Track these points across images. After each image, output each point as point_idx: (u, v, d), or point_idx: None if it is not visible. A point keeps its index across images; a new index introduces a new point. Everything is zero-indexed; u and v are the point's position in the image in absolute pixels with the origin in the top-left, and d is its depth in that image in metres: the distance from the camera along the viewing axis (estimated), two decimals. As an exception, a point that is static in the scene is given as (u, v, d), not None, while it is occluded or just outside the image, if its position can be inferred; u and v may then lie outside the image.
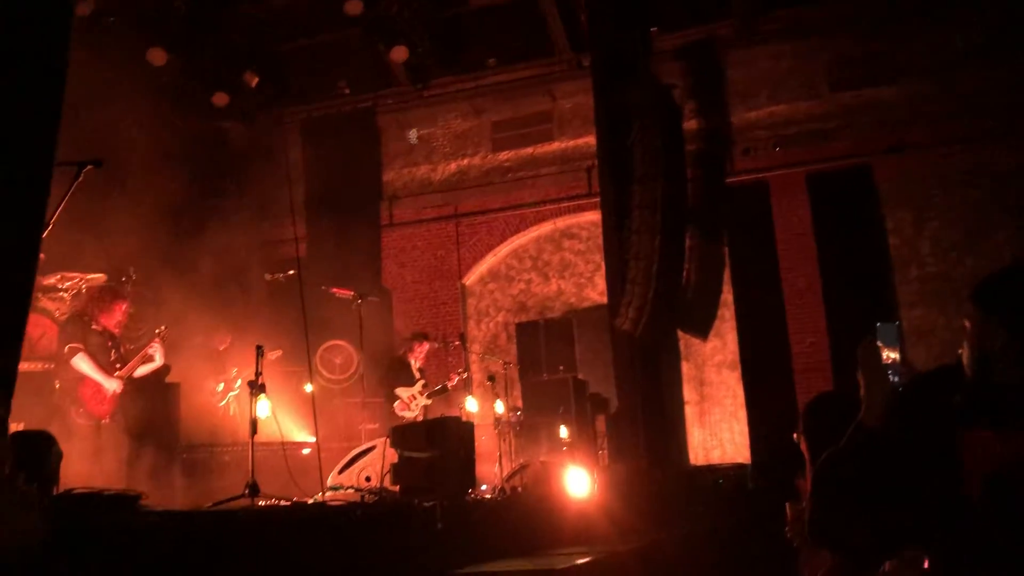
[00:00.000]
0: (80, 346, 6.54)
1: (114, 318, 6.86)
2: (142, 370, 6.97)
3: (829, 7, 11.57)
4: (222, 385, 9.09)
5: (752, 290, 11.56)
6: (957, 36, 11.03)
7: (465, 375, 9.67)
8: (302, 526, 4.40)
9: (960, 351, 2.13)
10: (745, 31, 11.87)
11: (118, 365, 6.77)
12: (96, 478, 6.22)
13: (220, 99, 11.64)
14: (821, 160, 11.50)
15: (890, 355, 2.30)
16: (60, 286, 7.81)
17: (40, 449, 4.35)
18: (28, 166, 3.29)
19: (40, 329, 7.29)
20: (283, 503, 5.40)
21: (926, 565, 1.94)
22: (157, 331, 7.13)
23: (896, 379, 2.25)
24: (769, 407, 11.03)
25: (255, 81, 11.62)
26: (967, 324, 2.05)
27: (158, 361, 7.03)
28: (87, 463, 6.31)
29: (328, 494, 6.34)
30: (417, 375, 9.39)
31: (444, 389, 9.40)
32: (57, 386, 6.57)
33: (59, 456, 4.60)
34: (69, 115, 3.65)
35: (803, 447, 3.00)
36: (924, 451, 1.76)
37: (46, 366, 6.94)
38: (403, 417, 8.97)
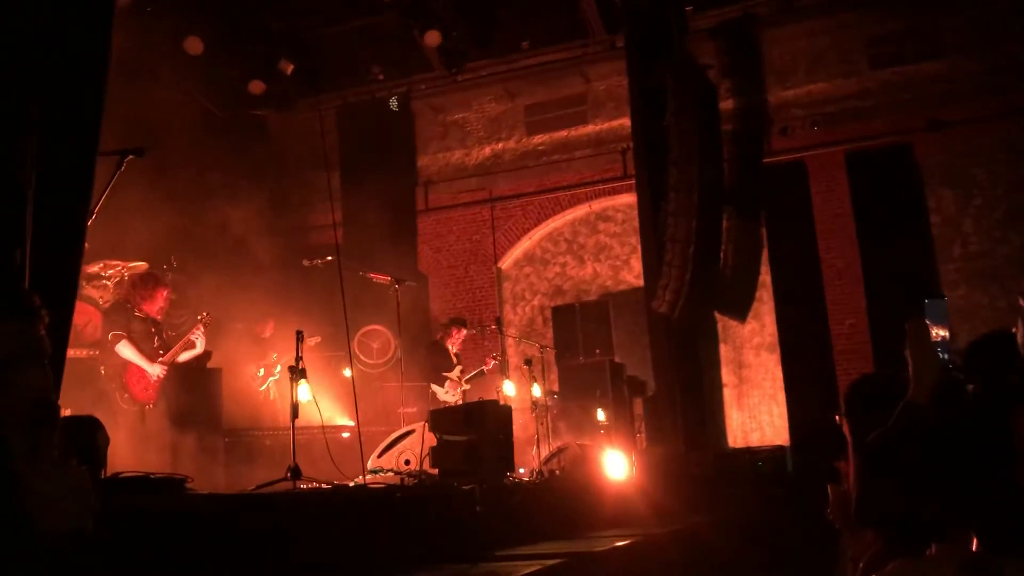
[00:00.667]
0: (123, 333, 6.66)
1: (156, 304, 6.97)
2: (185, 356, 7.07)
3: (868, -18, 11.38)
4: (262, 370, 9.21)
5: (790, 271, 11.44)
6: (997, 9, 10.79)
7: (499, 359, 9.70)
8: (343, 508, 4.44)
9: (1014, 329, 2.08)
10: (782, 8, 11.70)
11: (161, 351, 6.87)
12: (141, 462, 6.33)
13: (256, 87, 11.71)
14: (860, 138, 11.33)
15: (939, 332, 2.27)
16: (103, 274, 7.94)
17: (88, 434, 4.43)
18: (73, 156, 3.34)
19: (85, 317, 7.41)
20: (324, 486, 5.45)
21: (974, 547, 1.91)
22: (199, 316, 7.21)
23: (946, 356, 2.21)
24: (809, 389, 10.93)
25: (290, 68, 11.68)
26: (1022, 303, 2.01)
27: (200, 347, 7.13)
28: (133, 447, 6.42)
29: (368, 477, 6.40)
30: (455, 360, 9.45)
31: (481, 373, 9.46)
32: (103, 372, 6.69)
33: (106, 440, 4.67)
34: (108, 104, 3.70)
35: (845, 429, 2.97)
36: (976, 430, 1.72)
37: (91, 353, 7.06)
38: (444, 401, 9.03)
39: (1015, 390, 1.79)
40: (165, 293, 7.08)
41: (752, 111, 11.84)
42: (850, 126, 11.39)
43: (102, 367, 6.71)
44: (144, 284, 7.03)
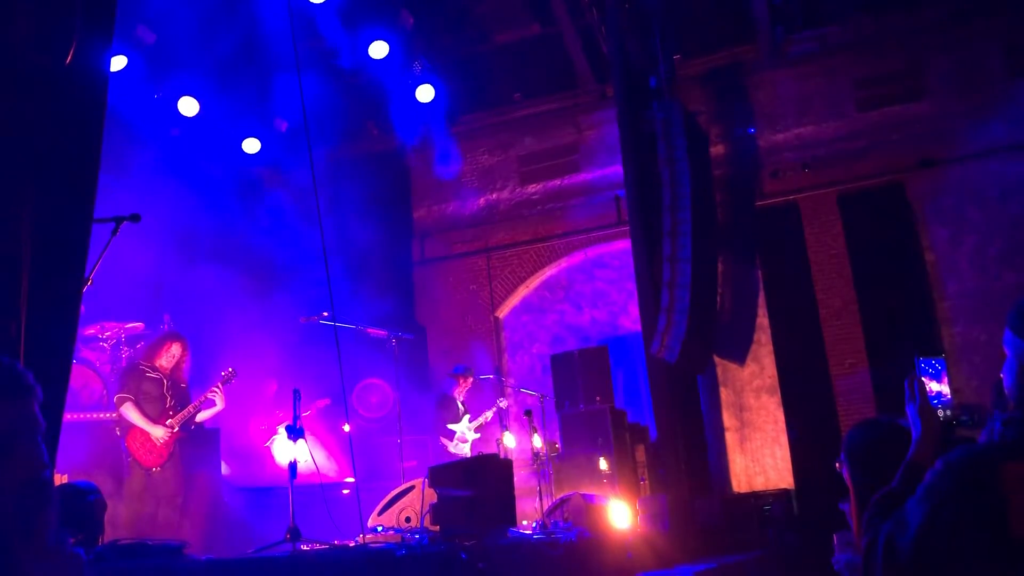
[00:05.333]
0: (129, 396, 6.63)
1: (160, 357, 6.87)
2: (204, 414, 6.98)
3: (853, 27, 11.56)
4: (264, 427, 9.18)
5: (788, 313, 11.46)
6: (980, 50, 10.97)
7: (504, 404, 9.69)
8: (344, 570, 4.40)
9: (1001, 375, 2.08)
10: (770, 54, 11.87)
11: (171, 412, 6.78)
12: (145, 526, 6.30)
13: (251, 146, 11.81)
14: (852, 179, 11.42)
15: (933, 387, 2.28)
16: (100, 336, 7.94)
17: (85, 501, 4.40)
18: (68, 224, 3.36)
19: (82, 380, 7.40)
20: (324, 547, 5.40)
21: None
22: (223, 373, 7.06)
23: (947, 412, 2.22)
24: (811, 430, 10.89)
25: (284, 126, 11.79)
26: (1007, 351, 2.00)
27: (220, 404, 7.00)
28: (136, 511, 6.40)
29: (369, 536, 6.33)
30: (462, 408, 9.42)
31: (485, 418, 9.45)
32: (118, 433, 6.70)
33: (103, 506, 4.65)
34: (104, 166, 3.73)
35: (845, 476, 2.95)
36: (969, 489, 1.71)
37: (88, 416, 7.04)
38: (455, 453, 8.96)
39: (1002, 445, 1.79)
40: (172, 346, 7.00)
41: (743, 155, 11.95)
42: (841, 167, 11.49)
43: (117, 429, 6.73)
44: (157, 343, 7.02)
